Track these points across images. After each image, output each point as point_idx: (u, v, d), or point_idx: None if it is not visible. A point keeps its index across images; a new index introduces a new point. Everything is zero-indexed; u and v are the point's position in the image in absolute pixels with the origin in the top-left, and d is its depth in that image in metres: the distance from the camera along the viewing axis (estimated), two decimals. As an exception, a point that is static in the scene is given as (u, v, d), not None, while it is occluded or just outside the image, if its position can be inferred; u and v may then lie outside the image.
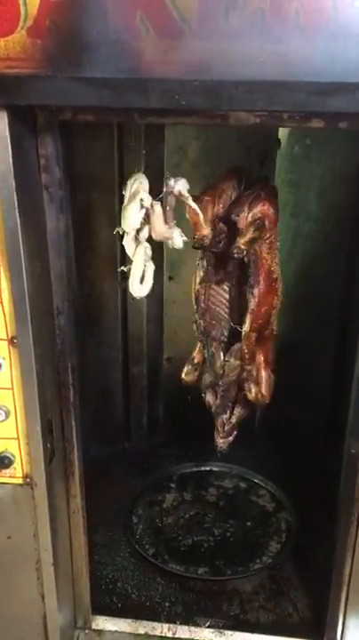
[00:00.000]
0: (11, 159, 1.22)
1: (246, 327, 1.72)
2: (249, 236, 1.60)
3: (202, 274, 1.76)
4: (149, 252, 1.56)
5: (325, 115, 1.20)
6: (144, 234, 1.52)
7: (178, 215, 1.52)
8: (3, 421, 1.47)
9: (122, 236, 1.55)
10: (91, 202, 2.22)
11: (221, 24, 1.04)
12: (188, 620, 1.88)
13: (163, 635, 1.84)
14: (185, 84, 1.10)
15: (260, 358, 1.81)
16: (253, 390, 1.84)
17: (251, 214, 1.60)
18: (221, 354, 1.83)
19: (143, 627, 1.85)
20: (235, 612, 1.92)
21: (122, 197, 2.31)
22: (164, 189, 1.48)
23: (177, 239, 1.52)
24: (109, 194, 2.22)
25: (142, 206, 1.48)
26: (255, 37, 1.05)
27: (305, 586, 2.00)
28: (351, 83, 1.06)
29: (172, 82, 1.10)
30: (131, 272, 1.56)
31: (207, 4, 1.03)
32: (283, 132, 2.17)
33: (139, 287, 1.57)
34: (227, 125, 1.26)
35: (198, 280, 1.77)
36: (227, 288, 1.79)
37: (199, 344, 1.87)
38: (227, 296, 1.80)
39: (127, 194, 1.50)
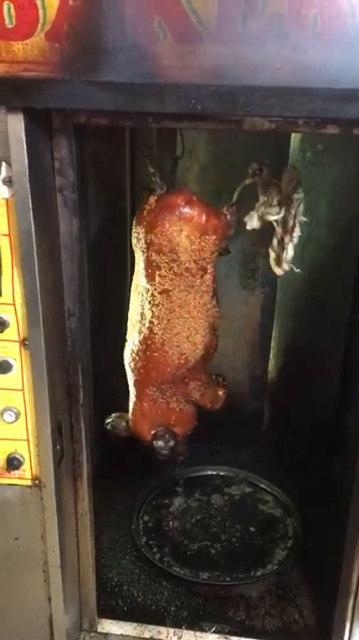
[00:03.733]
0: (26, 161, 1.23)
1: None
2: None
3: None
4: None
5: (341, 121, 1.20)
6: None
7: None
8: (13, 422, 1.47)
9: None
10: (103, 205, 2.23)
11: (239, 29, 1.05)
12: (194, 624, 1.87)
13: (169, 639, 1.84)
14: (201, 89, 1.10)
15: None
16: None
17: None
18: None
19: (149, 631, 1.85)
20: (240, 617, 1.91)
21: (133, 201, 2.35)
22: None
23: None
24: (121, 197, 2.23)
25: None
26: (272, 43, 1.05)
27: (311, 592, 2.00)
28: (368, 89, 1.06)
29: (189, 87, 1.10)
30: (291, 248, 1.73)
31: (226, 9, 1.04)
32: (294, 138, 2.17)
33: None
34: (241, 130, 1.26)
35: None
36: None
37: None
38: None
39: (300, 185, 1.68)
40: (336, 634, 1.73)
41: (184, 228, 1.56)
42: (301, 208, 1.69)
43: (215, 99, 1.11)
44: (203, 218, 1.57)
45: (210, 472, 2.54)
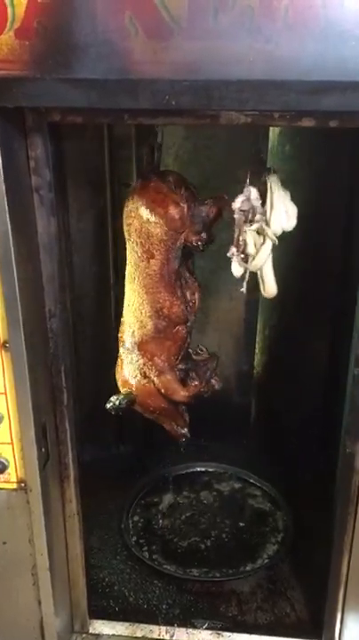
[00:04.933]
0: (0, 161, 1.21)
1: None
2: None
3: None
4: None
5: (316, 113, 1.20)
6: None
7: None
8: (-4, 426, 1.46)
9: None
10: (82, 203, 2.21)
11: (211, 24, 1.04)
12: (186, 622, 1.87)
13: (161, 637, 1.83)
14: (174, 85, 1.09)
15: None
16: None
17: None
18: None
19: (141, 630, 1.84)
20: (232, 613, 1.91)
21: (113, 198, 2.32)
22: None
23: None
24: (100, 195, 2.21)
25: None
26: (244, 36, 1.04)
27: (302, 585, 2.00)
28: (341, 81, 1.06)
29: (162, 82, 1.10)
30: (269, 272, 1.56)
31: (197, 3, 1.03)
32: (273, 132, 2.17)
33: (275, 283, 1.58)
34: (217, 125, 1.26)
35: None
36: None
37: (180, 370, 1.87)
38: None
39: (276, 196, 1.50)
40: (327, 625, 1.74)
41: (135, 211, 1.65)
42: (260, 221, 1.52)
43: (189, 94, 1.10)
44: (151, 205, 1.63)
45: (199, 469, 2.54)
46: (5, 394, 1.43)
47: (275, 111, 1.20)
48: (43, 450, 1.51)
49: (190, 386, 1.84)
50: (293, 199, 2.25)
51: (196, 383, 1.85)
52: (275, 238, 1.52)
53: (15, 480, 1.51)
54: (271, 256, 1.56)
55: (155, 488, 2.45)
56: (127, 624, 1.86)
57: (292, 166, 2.21)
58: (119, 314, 2.46)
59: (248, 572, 2.06)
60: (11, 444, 1.48)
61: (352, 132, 1.29)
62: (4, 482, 1.51)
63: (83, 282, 2.35)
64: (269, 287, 1.61)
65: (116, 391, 1.87)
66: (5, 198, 1.24)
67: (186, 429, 1.96)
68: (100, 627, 1.85)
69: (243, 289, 1.65)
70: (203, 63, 1.07)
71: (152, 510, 2.34)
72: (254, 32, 1.04)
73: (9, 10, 1.07)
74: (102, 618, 1.87)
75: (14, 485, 1.52)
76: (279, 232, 1.52)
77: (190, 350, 1.89)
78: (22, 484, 1.51)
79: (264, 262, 1.56)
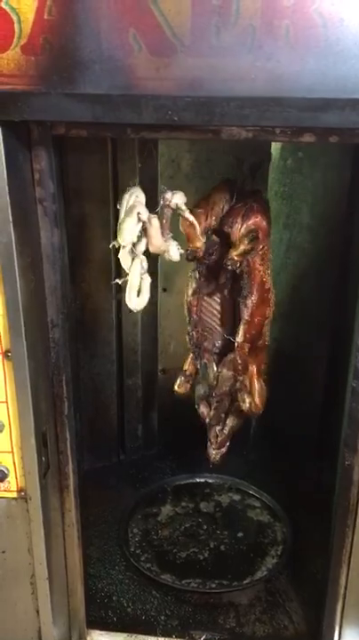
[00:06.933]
0: (5, 173, 1.23)
1: (240, 338, 1.74)
2: (242, 247, 1.63)
3: (194, 285, 1.79)
4: (145, 265, 1.56)
5: (316, 129, 1.22)
6: (141, 247, 1.53)
7: (173, 227, 1.55)
8: (-3, 435, 1.47)
9: (117, 249, 1.57)
10: (85, 214, 2.23)
11: (213, 41, 1.06)
12: (184, 633, 1.87)
13: (159, 649, 1.83)
14: (177, 100, 1.11)
15: (253, 369, 1.82)
16: (247, 401, 1.85)
17: (244, 226, 1.62)
18: (214, 365, 1.86)
19: (138, 640, 1.85)
20: (230, 624, 1.91)
21: (117, 210, 2.33)
22: (161, 202, 1.50)
23: (174, 251, 1.55)
24: (104, 207, 2.23)
25: (139, 219, 1.48)
26: (246, 54, 1.06)
27: (301, 598, 2.00)
28: (341, 98, 1.08)
29: (165, 98, 1.12)
30: (128, 285, 1.55)
31: (199, 21, 1.05)
32: (275, 146, 2.19)
33: (137, 300, 1.56)
34: (219, 140, 1.27)
35: (190, 292, 1.80)
36: (218, 299, 1.82)
37: (191, 356, 1.88)
38: (219, 307, 1.83)
39: (123, 207, 1.51)
40: (325, 638, 1.73)
41: None
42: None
43: (191, 109, 1.12)
44: None
45: (198, 480, 2.54)
46: (7, 402, 1.44)
47: (276, 127, 1.22)
48: (43, 459, 1.51)
49: (182, 385, 1.89)
50: (297, 210, 2.28)
51: (179, 383, 1.90)
52: (119, 244, 1.50)
53: (15, 489, 1.52)
54: (137, 270, 1.53)
55: (154, 498, 2.45)
56: (125, 634, 1.85)
57: (294, 179, 2.23)
58: (120, 323, 2.50)
59: (246, 584, 2.05)
60: (12, 452, 1.49)
61: (352, 147, 1.31)
62: (4, 490, 1.52)
63: (86, 292, 2.37)
64: (126, 297, 1.57)
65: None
66: (10, 209, 1.26)
67: (210, 449, 1.96)
68: (98, 637, 1.85)
69: (117, 280, 1.61)
70: (205, 80, 1.09)
71: (151, 521, 2.34)
72: (256, 50, 1.06)
73: (16, 26, 1.09)
74: (100, 628, 1.87)
75: (14, 494, 1.52)
76: (122, 242, 1.51)
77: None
78: (22, 493, 1.52)
79: (126, 266, 1.54)
